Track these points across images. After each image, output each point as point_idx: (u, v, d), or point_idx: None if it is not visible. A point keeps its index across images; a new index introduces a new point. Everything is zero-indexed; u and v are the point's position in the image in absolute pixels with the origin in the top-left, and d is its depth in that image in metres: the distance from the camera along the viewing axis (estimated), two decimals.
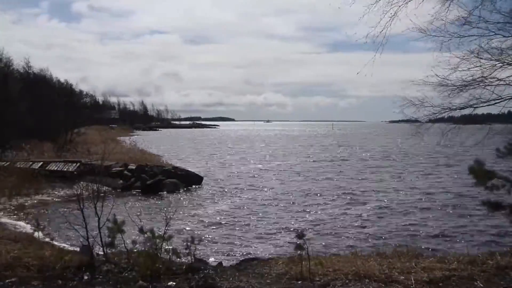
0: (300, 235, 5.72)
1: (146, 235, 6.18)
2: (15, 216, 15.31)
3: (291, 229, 13.62)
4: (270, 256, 9.36)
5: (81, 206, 6.53)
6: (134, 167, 23.71)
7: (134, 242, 6.37)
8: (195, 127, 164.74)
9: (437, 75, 7.39)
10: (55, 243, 10.26)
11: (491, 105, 7.36)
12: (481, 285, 5.31)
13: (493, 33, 7.05)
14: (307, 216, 16.22)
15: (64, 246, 9.76)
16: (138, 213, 15.81)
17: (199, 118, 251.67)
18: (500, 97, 7.19)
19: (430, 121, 8.04)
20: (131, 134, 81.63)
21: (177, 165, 27.31)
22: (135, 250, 6.34)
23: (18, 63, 40.46)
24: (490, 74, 7.10)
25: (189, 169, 25.60)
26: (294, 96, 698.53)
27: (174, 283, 5.51)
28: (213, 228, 14.37)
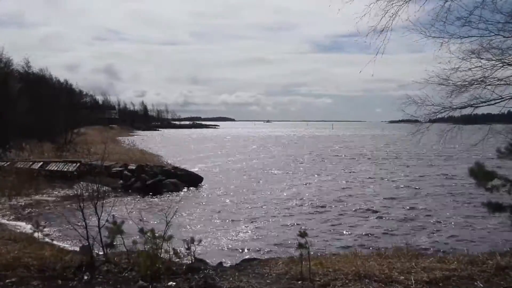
0: (303, 233, 5.72)
1: (146, 236, 6.18)
2: (15, 216, 15.29)
3: (291, 229, 13.62)
4: (270, 256, 9.36)
5: (81, 206, 6.52)
6: (134, 167, 23.68)
7: (134, 242, 6.37)
8: (195, 127, 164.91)
9: (438, 75, 7.40)
10: (55, 243, 10.27)
11: (491, 104, 7.37)
12: (481, 285, 5.31)
13: (494, 34, 7.05)
14: (307, 215, 16.21)
15: (64, 246, 9.75)
16: (138, 213, 15.79)
17: (199, 118, 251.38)
18: (500, 97, 7.20)
19: (430, 120, 8.04)
20: (131, 134, 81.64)
21: (177, 165, 27.30)
22: (135, 250, 6.34)
23: (18, 63, 40.47)
24: (491, 74, 7.11)
25: (189, 169, 25.62)
26: (270, 96, 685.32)
27: (174, 283, 5.51)
28: (213, 228, 14.36)
